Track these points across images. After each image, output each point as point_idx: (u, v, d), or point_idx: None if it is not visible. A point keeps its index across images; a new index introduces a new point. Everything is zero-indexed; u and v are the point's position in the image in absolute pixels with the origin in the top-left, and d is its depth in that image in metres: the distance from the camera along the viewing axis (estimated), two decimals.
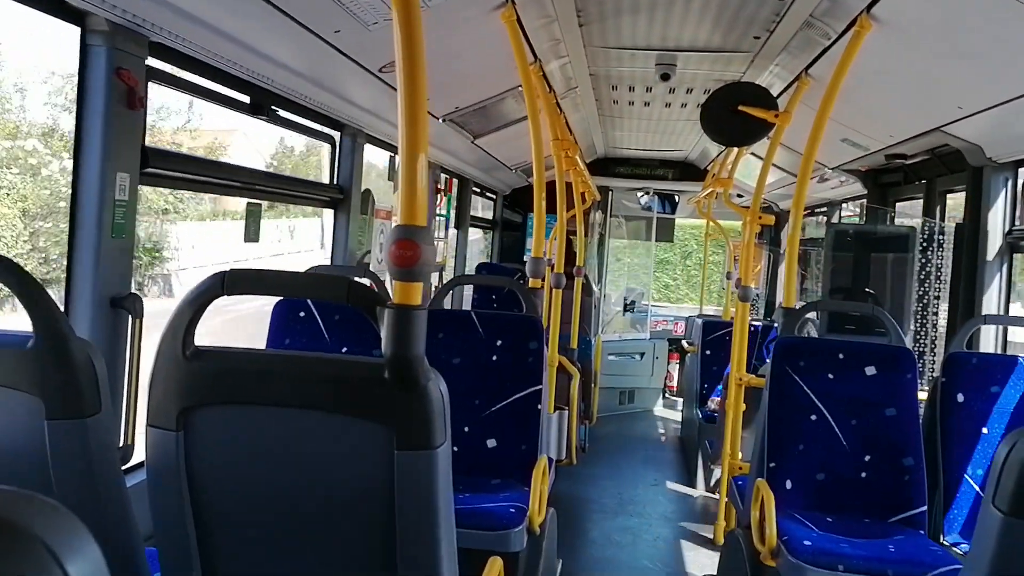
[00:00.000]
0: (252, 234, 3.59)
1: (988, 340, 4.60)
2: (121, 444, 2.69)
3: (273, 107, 3.72)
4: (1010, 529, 1.46)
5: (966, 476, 3.43)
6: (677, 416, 9.26)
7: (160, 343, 1.58)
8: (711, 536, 5.30)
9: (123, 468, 2.70)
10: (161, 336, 1.58)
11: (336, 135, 4.53)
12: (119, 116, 2.59)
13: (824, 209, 8.09)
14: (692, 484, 6.70)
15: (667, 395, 10.29)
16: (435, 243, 6.40)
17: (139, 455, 2.66)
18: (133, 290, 2.72)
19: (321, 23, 3.01)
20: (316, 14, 2.93)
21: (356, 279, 3.91)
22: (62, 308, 2.54)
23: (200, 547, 1.65)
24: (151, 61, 2.81)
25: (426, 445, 1.54)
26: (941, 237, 5.04)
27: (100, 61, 2.54)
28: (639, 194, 10.25)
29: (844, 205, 7.64)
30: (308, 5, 2.83)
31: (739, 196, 8.92)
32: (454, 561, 1.69)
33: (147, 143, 2.81)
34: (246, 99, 3.56)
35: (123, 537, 1.61)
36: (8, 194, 11.19)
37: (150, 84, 2.88)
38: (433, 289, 5.90)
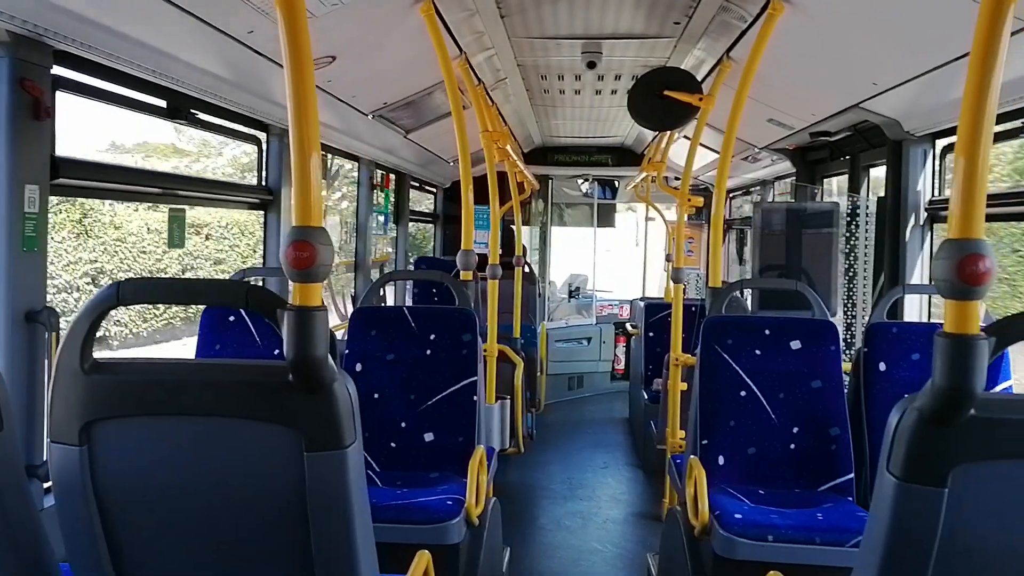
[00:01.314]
0: (176, 240, 3.54)
1: (913, 310, 4.74)
2: (43, 461, 2.64)
3: (192, 110, 3.66)
4: (904, 494, 1.52)
5: None
6: (626, 398, 9.37)
7: (58, 357, 1.56)
8: (659, 515, 5.39)
9: (48, 485, 2.66)
10: (58, 350, 1.56)
11: (262, 136, 4.48)
12: (25, 127, 2.54)
13: (758, 188, 8.24)
14: (641, 465, 6.79)
15: (616, 378, 10.40)
16: (372, 239, 6.37)
17: None
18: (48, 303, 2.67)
19: (232, 24, 2.97)
20: (226, 15, 2.89)
21: (287, 281, 3.83)
22: None
23: (114, 561, 1.64)
24: (58, 70, 2.76)
25: (335, 445, 1.55)
26: (866, 211, 5.17)
27: (1, 72, 2.48)
28: (579, 181, 10.32)
29: (777, 184, 7.78)
30: (216, 6, 2.80)
31: (676, 179, 9.03)
32: (372, 557, 1.70)
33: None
34: (163, 103, 3.50)
35: (34, 555, 1.59)
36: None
37: (59, 93, 2.83)
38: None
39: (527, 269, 8.23)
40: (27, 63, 2.53)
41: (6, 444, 1.54)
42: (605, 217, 10.82)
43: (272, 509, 1.60)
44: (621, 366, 10.39)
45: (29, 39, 2.52)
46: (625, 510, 5.75)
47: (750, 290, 6.06)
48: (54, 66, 2.71)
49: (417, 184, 8.20)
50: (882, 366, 3.59)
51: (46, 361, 2.67)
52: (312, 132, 1.52)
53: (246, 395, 1.56)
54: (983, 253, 1.43)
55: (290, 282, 1.52)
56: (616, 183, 10.43)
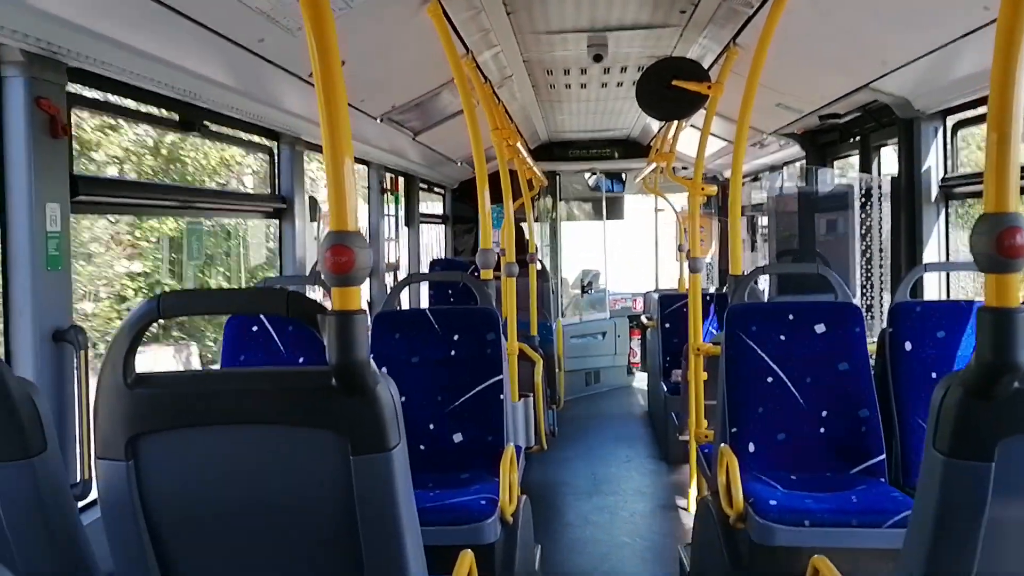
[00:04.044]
0: (195, 253, 3.55)
1: (932, 288, 4.72)
2: (78, 480, 2.65)
3: (205, 122, 3.67)
4: (951, 469, 1.52)
5: (920, 422, 3.52)
6: (644, 391, 9.36)
7: (100, 374, 1.56)
8: (686, 506, 5.39)
9: (82, 504, 2.67)
10: (101, 367, 1.56)
11: (274, 145, 4.49)
12: (43, 146, 2.54)
13: (767, 174, 8.21)
14: (663, 457, 6.78)
15: (632, 371, 10.39)
16: (384, 244, 6.38)
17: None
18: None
19: (243, 33, 2.98)
20: (237, 24, 2.89)
21: (307, 288, 3.85)
22: (1, 347, 2.49)
23: (163, 574, 1.64)
24: (73, 87, 2.76)
25: (381, 448, 1.55)
26: (879, 191, 5.15)
27: (18, 92, 2.49)
28: (586, 175, 10.32)
29: (786, 168, 7.76)
30: (227, 16, 2.80)
31: (684, 168, 9.02)
32: (421, 559, 1.70)
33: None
34: (175, 117, 3.51)
35: (81, 573, 1.59)
36: None
37: (74, 110, 2.83)
38: (389, 290, 5.88)
39: (540, 266, 8.23)
40: (42, 81, 2.54)
41: (49, 464, 1.54)
42: (614, 210, 10.81)
43: (320, 514, 1.60)
44: (637, 359, 10.38)
45: (43, 58, 2.52)
46: (651, 503, 5.74)
47: (766, 276, 6.04)
48: (68, 83, 2.72)
49: (425, 186, 8.21)
50: (908, 345, 3.58)
51: (75, 379, 2.67)
52: (344, 138, 1.52)
53: (290, 402, 1.56)
54: (1020, 226, 1.43)
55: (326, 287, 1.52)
56: (623, 175, 10.43)
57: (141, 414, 1.56)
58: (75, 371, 2.67)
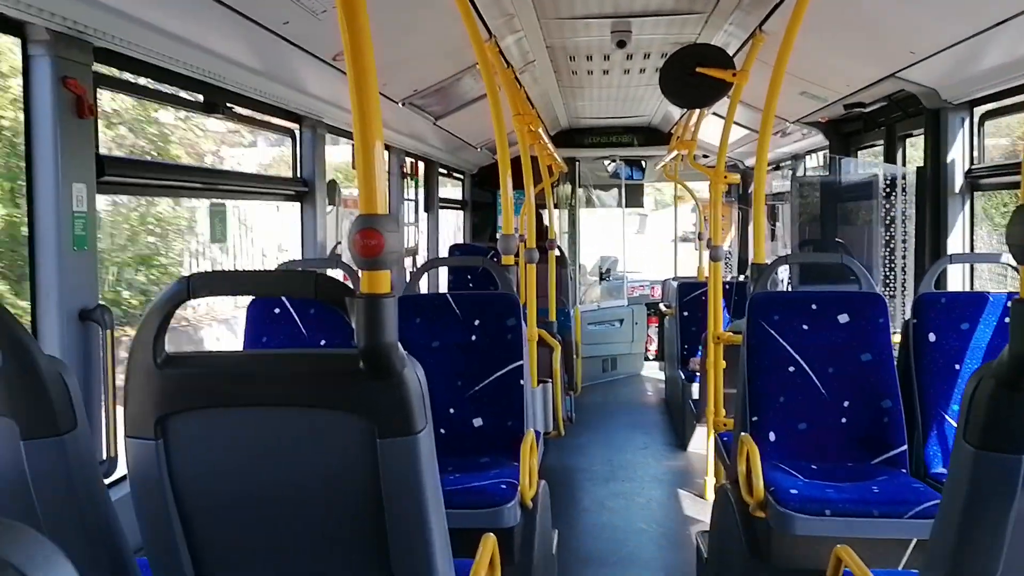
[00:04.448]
0: (218, 235, 3.56)
1: (956, 279, 4.68)
2: (104, 458, 2.68)
3: (228, 104, 3.68)
4: (981, 462, 1.51)
5: (943, 413, 3.50)
6: (660, 379, 9.35)
7: (131, 353, 1.57)
8: (702, 493, 5.38)
9: (108, 481, 2.70)
10: (131, 346, 1.57)
11: (296, 128, 4.49)
12: (69, 126, 2.55)
13: (789, 163, 8.15)
14: (680, 444, 6.78)
15: (649, 359, 10.37)
16: (403, 228, 6.39)
17: (123, 467, 2.66)
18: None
19: (268, 15, 2.98)
20: (262, 6, 2.89)
21: (327, 271, 3.89)
22: (28, 326, 2.51)
23: (191, 553, 1.65)
24: (98, 67, 2.77)
25: (407, 431, 1.55)
26: (903, 181, 5.10)
27: (44, 71, 2.49)
28: (606, 162, 10.29)
29: (808, 157, 7.70)
30: None
31: (704, 156, 8.96)
32: (446, 542, 1.70)
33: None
34: (199, 98, 3.52)
35: (111, 551, 1.61)
36: None
37: (99, 90, 2.84)
38: (408, 274, 5.89)
39: (558, 253, 8.23)
40: (69, 61, 2.54)
41: (79, 441, 1.56)
42: (633, 197, 10.78)
43: (347, 496, 1.61)
44: (654, 347, 10.37)
45: (69, 37, 2.53)
46: (667, 490, 5.74)
47: (784, 267, 6.01)
48: (94, 64, 2.72)
49: (445, 171, 8.21)
50: (932, 337, 3.55)
51: (101, 359, 2.69)
52: (375, 122, 1.52)
53: (318, 384, 1.56)
54: None
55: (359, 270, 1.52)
56: (643, 162, 10.39)
57: (170, 394, 1.57)
58: (101, 350, 2.69)
